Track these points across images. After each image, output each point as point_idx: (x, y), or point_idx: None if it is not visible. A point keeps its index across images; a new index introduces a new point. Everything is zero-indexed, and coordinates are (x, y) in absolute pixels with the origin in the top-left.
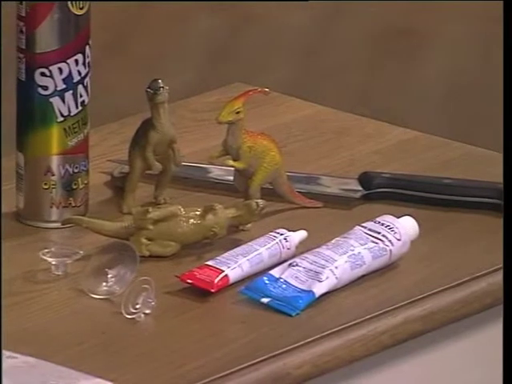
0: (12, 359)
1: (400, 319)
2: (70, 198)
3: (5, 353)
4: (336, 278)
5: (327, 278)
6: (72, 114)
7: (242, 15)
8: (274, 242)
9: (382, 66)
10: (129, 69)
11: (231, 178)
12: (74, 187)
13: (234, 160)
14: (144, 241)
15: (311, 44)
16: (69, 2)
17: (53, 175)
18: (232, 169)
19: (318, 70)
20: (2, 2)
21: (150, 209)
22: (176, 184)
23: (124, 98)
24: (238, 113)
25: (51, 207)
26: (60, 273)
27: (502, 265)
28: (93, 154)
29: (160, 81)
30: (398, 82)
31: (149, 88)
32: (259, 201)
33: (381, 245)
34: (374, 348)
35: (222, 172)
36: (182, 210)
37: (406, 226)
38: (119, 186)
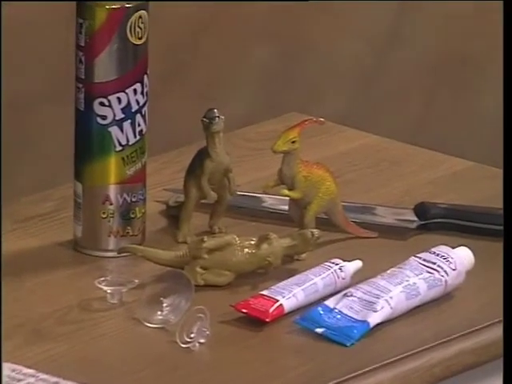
0: None
1: (455, 351)
2: (128, 227)
3: (60, 381)
4: (391, 308)
5: (382, 308)
6: (130, 144)
7: (298, 44)
8: (329, 271)
9: (438, 95)
10: (185, 98)
11: (286, 207)
12: (132, 216)
13: (289, 189)
14: (199, 270)
15: (367, 73)
16: (128, 33)
17: (111, 204)
18: (287, 198)
19: (373, 99)
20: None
21: (205, 238)
22: (231, 213)
23: (180, 126)
24: (293, 142)
25: (109, 236)
26: (115, 301)
27: None
28: (149, 182)
29: (216, 110)
30: (454, 111)
31: (204, 117)
32: (314, 230)
33: (436, 275)
34: (428, 379)
35: (276, 201)
36: (236, 239)
37: (462, 257)
38: (174, 215)
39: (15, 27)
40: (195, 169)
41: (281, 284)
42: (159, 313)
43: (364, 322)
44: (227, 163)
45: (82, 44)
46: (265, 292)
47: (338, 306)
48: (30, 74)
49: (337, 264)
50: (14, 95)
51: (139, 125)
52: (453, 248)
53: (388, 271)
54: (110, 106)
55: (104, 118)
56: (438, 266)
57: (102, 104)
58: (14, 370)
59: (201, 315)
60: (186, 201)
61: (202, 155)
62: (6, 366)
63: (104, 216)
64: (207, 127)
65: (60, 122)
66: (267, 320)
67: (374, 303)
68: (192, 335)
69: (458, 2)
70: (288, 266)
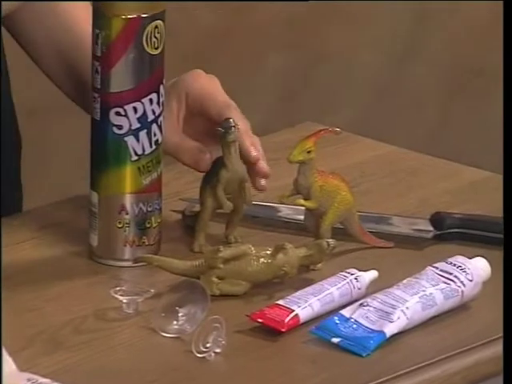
0: None
1: (472, 360)
2: (144, 237)
3: None
4: (407, 318)
5: (398, 318)
6: (146, 153)
7: (313, 54)
8: (345, 281)
9: (454, 105)
10: None
11: (301, 217)
12: (148, 226)
13: (305, 199)
14: (215, 280)
15: (383, 82)
16: (144, 43)
17: (127, 214)
18: (302, 208)
19: (389, 109)
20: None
21: (221, 248)
22: (246, 223)
23: None
24: (309, 152)
25: (125, 246)
26: (131, 311)
27: None
28: (164, 192)
29: (231, 120)
30: (470, 122)
31: (220, 127)
32: (330, 240)
33: (452, 286)
34: None
35: (292, 211)
36: (252, 249)
37: (478, 267)
38: (190, 224)
39: None
40: (211, 178)
41: (296, 294)
42: (175, 322)
43: (380, 332)
44: (243, 173)
45: (99, 54)
46: (280, 302)
47: (354, 316)
48: (45, 84)
49: (353, 274)
50: (30, 105)
51: (155, 134)
52: (469, 258)
53: (404, 281)
54: (125, 115)
55: (120, 127)
56: (455, 276)
57: (117, 114)
58: (29, 380)
59: (216, 325)
60: (201, 210)
61: (218, 165)
62: (22, 376)
63: (120, 225)
64: (223, 137)
65: (76, 132)
66: (283, 330)
67: (390, 313)
68: (208, 345)
69: (474, 14)
70: (304, 276)
